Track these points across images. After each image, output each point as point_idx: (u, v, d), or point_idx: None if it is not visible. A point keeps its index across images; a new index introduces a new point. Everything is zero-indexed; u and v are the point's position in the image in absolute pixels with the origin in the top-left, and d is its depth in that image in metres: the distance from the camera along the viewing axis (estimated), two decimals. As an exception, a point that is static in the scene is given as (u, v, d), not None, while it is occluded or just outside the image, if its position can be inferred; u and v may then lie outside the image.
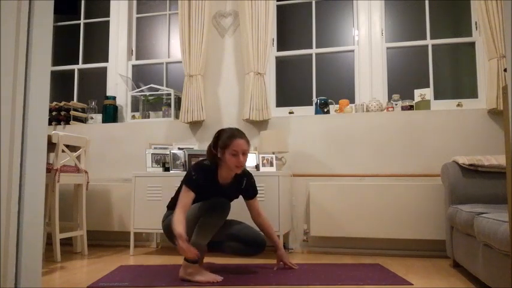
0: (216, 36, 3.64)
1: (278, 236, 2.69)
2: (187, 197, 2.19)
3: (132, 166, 3.62)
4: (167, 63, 3.94)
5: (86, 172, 3.12)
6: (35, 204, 1.19)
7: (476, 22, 3.29)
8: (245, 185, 2.44)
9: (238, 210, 2.55)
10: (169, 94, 3.75)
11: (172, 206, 2.37)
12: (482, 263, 1.88)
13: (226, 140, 2.23)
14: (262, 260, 2.76)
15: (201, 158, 2.51)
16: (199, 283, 2.12)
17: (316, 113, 3.36)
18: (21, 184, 1.15)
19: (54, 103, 3.85)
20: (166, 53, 3.96)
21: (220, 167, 2.31)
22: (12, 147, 1.12)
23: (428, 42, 3.39)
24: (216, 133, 2.32)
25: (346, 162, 3.23)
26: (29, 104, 1.17)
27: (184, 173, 2.99)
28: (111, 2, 4.02)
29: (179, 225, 2.06)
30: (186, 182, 2.22)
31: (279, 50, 3.67)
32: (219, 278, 2.16)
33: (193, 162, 2.63)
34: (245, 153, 2.25)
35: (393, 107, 3.25)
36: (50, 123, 3.82)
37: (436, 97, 3.34)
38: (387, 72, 3.43)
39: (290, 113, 3.53)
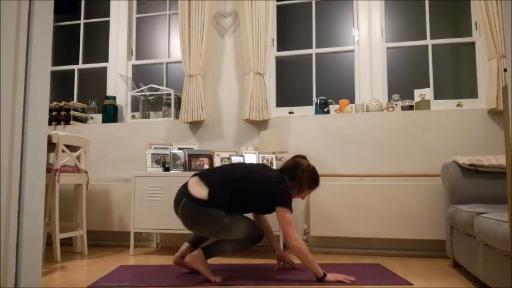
0: (216, 36, 3.64)
1: (278, 236, 2.69)
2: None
3: (132, 166, 3.62)
4: (167, 63, 3.93)
5: (86, 172, 3.12)
6: (35, 204, 1.19)
7: (476, 22, 3.29)
8: None
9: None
10: (169, 94, 3.75)
11: (218, 198, 2.17)
12: (482, 263, 1.88)
13: (316, 183, 2.37)
14: (263, 260, 2.76)
15: (273, 175, 2.31)
16: (204, 276, 2.17)
17: (316, 113, 3.36)
18: (21, 184, 1.15)
19: (54, 103, 3.85)
20: (166, 53, 3.96)
21: None
22: (12, 147, 1.11)
23: (428, 42, 3.39)
24: (311, 174, 2.33)
25: (346, 162, 3.23)
26: (29, 104, 1.17)
27: (185, 173, 3.01)
28: (111, 2, 4.02)
29: (317, 265, 2.15)
30: (291, 206, 2.23)
31: (279, 50, 3.67)
32: (219, 279, 2.17)
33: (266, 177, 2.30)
34: None
35: (393, 107, 3.25)
36: (50, 123, 3.82)
37: (436, 97, 3.34)
38: (387, 72, 3.43)
39: (290, 113, 3.53)
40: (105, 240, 3.53)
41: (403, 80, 3.41)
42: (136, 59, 4.00)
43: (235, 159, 3.05)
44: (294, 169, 2.30)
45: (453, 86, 3.35)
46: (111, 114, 3.76)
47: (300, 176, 2.28)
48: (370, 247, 3.07)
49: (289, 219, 2.18)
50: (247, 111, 3.30)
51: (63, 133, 2.88)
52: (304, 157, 2.36)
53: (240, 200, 2.23)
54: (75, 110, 3.89)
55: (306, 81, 3.59)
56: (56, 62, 4.15)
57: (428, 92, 3.19)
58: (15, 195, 1.13)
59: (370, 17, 3.45)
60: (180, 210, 2.21)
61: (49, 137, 2.79)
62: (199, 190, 2.18)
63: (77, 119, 3.86)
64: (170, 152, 3.10)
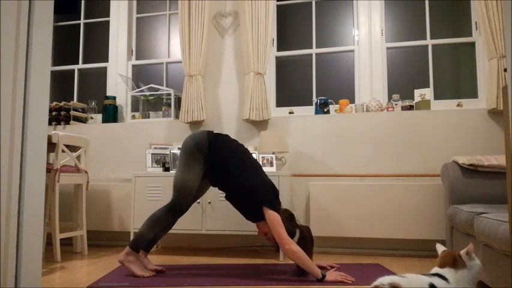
0: (216, 36, 3.64)
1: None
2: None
3: (132, 166, 3.62)
4: (167, 63, 3.93)
5: (86, 172, 3.12)
6: (35, 204, 1.19)
7: (476, 22, 3.29)
8: None
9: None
10: (169, 94, 3.75)
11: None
12: (482, 263, 1.88)
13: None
14: (263, 260, 2.76)
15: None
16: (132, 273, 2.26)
17: (316, 113, 3.36)
18: (21, 184, 1.15)
19: (54, 103, 3.85)
20: (166, 53, 3.96)
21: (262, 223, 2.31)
22: (12, 148, 1.12)
23: (428, 42, 3.39)
24: (300, 235, 2.24)
25: (346, 162, 3.23)
26: (29, 104, 1.17)
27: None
28: (111, 2, 4.01)
29: (315, 267, 2.14)
30: (279, 210, 2.24)
31: (279, 50, 3.67)
32: (147, 274, 2.26)
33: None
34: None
35: (393, 107, 3.25)
36: (50, 123, 3.82)
37: (436, 97, 3.34)
38: (387, 72, 3.43)
39: (290, 113, 3.53)
40: (105, 240, 3.53)
41: (403, 80, 3.41)
42: (137, 59, 4.00)
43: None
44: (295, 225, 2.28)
45: (453, 86, 3.35)
46: (111, 114, 3.76)
47: (296, 225, 2.27)
48: (370, 247, 3.07)
49: (280, 221, 2.16)
50: (247, 111, 3.30)
51: (63, 133, 2.88)
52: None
53: (229, 173, 2.30)
54: (75, 110, 3.89)
55: (306, 81, 3.59)
56: (56, 62, 4.15)
57: (428, 92, 3.19)
58: (15, 195, 1.13)
59: (370, 17, 3.45)
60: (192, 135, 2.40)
61: (49, 137, 2.79)
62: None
63: (77, 119, 3.86)
64: (170, 152, 3.10)
